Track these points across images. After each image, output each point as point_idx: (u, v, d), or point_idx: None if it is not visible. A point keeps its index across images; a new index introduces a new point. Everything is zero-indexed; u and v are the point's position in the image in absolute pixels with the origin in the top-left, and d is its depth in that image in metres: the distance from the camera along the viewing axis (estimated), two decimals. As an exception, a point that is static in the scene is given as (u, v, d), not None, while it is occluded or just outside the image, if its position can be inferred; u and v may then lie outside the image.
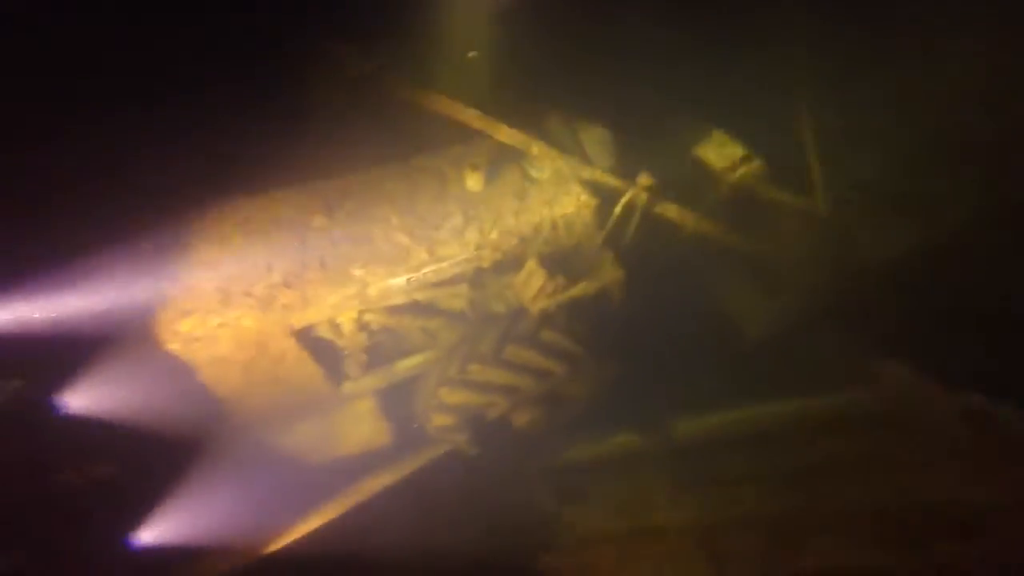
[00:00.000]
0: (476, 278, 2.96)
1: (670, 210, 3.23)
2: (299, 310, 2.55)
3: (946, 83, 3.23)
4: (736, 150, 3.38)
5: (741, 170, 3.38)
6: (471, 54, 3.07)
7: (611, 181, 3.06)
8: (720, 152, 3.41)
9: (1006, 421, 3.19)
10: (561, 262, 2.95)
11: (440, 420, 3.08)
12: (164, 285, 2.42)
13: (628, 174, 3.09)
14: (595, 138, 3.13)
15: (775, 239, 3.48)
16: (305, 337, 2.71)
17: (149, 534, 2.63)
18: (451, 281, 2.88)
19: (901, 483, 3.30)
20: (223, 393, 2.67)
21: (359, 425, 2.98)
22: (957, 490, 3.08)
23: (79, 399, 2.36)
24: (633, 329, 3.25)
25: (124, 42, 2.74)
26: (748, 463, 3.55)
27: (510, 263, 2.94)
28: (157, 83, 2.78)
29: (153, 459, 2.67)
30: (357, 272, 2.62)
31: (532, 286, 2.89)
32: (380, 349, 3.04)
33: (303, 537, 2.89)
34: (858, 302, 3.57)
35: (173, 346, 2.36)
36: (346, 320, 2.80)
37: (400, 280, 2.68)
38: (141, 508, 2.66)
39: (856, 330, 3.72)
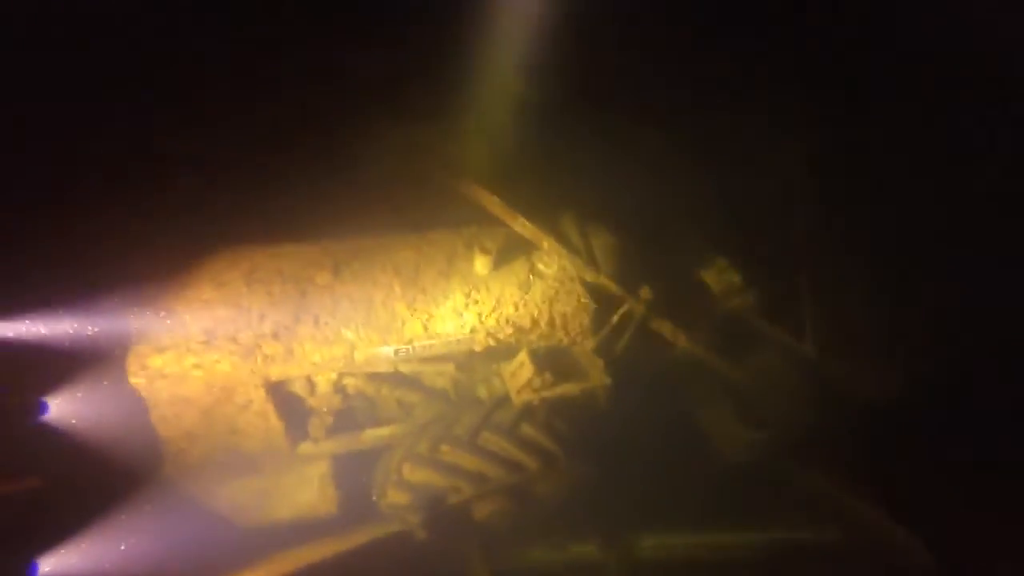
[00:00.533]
0: (465, 360, 2.92)
1: (664, 327, 3.29)
2: (280, 363, 2.47)
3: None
4: (735, 278, 3.51)
5: (737, 299, 3.49)
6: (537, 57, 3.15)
7: (613, 289, 3.12)
8: (720, 278, 3.54)
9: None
10: (551, 360, 2.94)
11: (396, 497, 2.91)
12: (150, 319, 2.34)
13: (630, 285, 3.16)
14: (604, 244, 3.22)
15: (760, 372, 3.54)
16: (276, 391, 2.61)
17: (60, 559, 2.38)
18: (440, 359, 2.83)
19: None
20: (172, 434, 2.51)
21: (304, 490, 2.80)
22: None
23: (22, 410, 2.21)
24: (610, 437, 3.20)
25: (162, 81, 2.84)
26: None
27: (502, 351, 2.93)
28: (195, 126, 2.86)
29: (82, 484, 2.47)
30: (349, 334, 2.57)
31: (520, 378, 2.86)
32: (350, 414, 2.93)
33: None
34: (832, 440, 3.60)
35: (137, 380, 2.24)
36: (324, 380, 2.71)
37: (389, 349, 2.63)
38: (59, 530, 2.42)
39: (825, 467, 3.72)
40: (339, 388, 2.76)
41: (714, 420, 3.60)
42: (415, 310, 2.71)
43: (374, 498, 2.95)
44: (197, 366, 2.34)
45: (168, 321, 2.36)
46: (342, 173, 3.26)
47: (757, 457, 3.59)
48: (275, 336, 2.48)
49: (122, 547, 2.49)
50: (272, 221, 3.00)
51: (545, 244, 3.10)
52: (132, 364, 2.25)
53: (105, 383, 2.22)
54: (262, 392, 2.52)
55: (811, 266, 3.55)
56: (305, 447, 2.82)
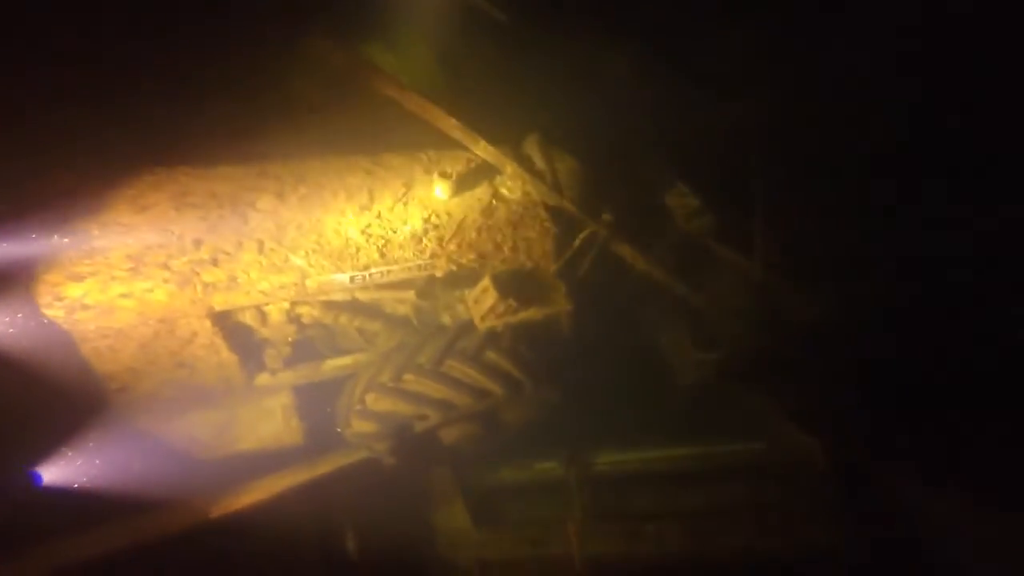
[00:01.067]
0: (426, 287, 2.84)
1: (624, 250, 3.31)
2: (223, 291, 2.29)
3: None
4: (692, 202, 3.55)
5: (695, 222, 3.55)
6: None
7: (576, 213, 3.08)
8: (678, 202, 3.56)
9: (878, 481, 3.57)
10: (515, 285, 2.91)
11: (361, 426, 2.90)
12: (59, 245, 2.07)
13: (592, 209, 3.13)
14: (568, 168, 3.13)
15: (713, 294, 3.68)
16: (223, 321, 2.44)
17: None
18: (399, 286, 2.73)
19: (778, 533, 3.58)
20: (111, 369, 2.33)
21: (267, 421, 2.73)
22: (832, 542, 3.39)
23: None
24: (572, 361, 3.28)
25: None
26: (654, 502, 3.69)
27: (464, 277, 2.86)
28: (115, 41, 2.44)
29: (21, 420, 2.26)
30: (298, 261, 2.40)
31: (483, 304, 2.82)
32: (309, 344, 2.82)
33: (189, 528, 2.55)
34: (775, 362, 3.86)
35: (53, 312, 2.02)
36: (276, 309, 2.56)
37: (343, 276, 2.49)
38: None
39: (767, 387, 4.01)
40: (293, 318, 2.63)
41: (669, 342, 3.76)
42: (370, 236, 2.56)
43: (339, 428, 2.93)
44: (126, 295, 2.13)
45: (83, 247, 2.10)
46: (278, 92, 2.93)
47: (705, 378, 3.80)
48: (215, 263, 2.28)
49: (75, 485, 2.36)
50: (199, 142, 2.68)
51: (508, 168, 2.97)
52: (43, 294, 2.01)
53: (22, 314, 1.98)
54: (207, 323, 2.35)
55: (766, 187, 3.61)
56: (262, 379, 2.71)
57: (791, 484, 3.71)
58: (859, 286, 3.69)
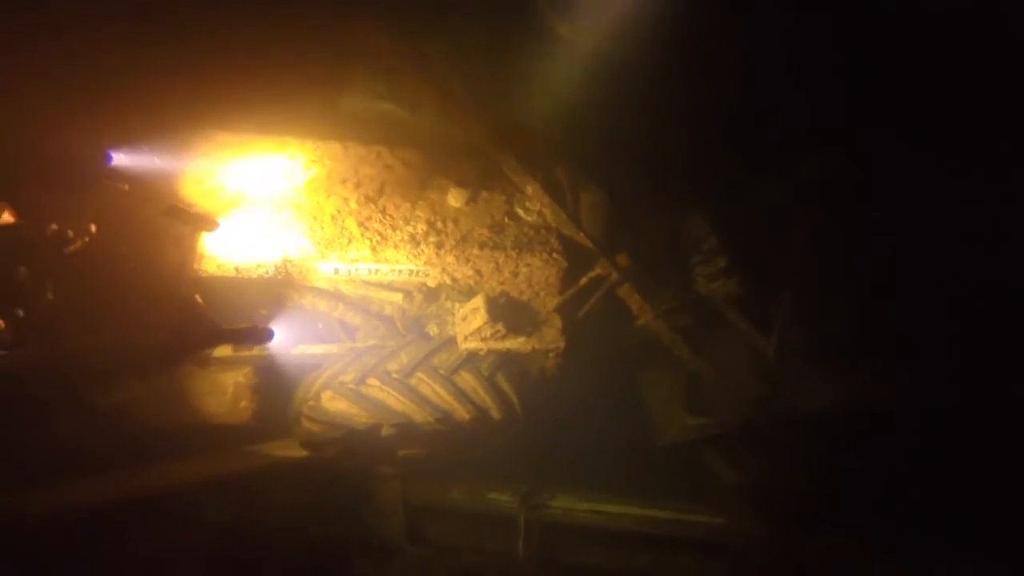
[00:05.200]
0: (416, 293, 2.67)
1: (633, 299, 3.10)
2: (200, 261, 2.16)
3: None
4: (721, 262, 3.31)
5: (716, 284, 3.31)
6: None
7: (591, 249, 2.87)
8: (705, 259, 3.33)
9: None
10: (508, 311, 2.73)
11: (309, 424, 2.73)
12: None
13: (609, 249, 2.92)
14: (593, 202, 2.92)
15: (717, 362, 3.45)
16: (198, 287, 2.31)
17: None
18: (387, 286, 2.57)
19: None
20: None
21: (217, 396, 2.57)
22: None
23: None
24: (550, 400, 3.09)
25: None
26: (602, 559, 3.49)
27: (458, 291, 2.68)
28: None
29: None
30: (283, 243, 2.25)
31: (470, 323, 2.65)
32: (282, 324, 2.66)
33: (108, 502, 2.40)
34: (762, 440, 3.62)
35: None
36: (254, 283, 2.41)
37: (328, 266, 2.34)
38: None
39: (746, 464, 3.77)
40: (272, 295, 2.49)
41: (657, 400, 3.54)
42: (367, 230, 2.40)
43: (288, 421, 2.78)
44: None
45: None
46: (322, 73, 2.77)
47: (686, 442, 3.58)
48: (202, 230, 2.14)
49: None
50: (225, 107, 2.53)
51: (529, 188, 2.78)
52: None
53: None
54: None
55: (797, 268, 3.36)
56: (224, 350, 2.58)
57: (738, 566, 3.47)
58: (883, 383, 3.43)
